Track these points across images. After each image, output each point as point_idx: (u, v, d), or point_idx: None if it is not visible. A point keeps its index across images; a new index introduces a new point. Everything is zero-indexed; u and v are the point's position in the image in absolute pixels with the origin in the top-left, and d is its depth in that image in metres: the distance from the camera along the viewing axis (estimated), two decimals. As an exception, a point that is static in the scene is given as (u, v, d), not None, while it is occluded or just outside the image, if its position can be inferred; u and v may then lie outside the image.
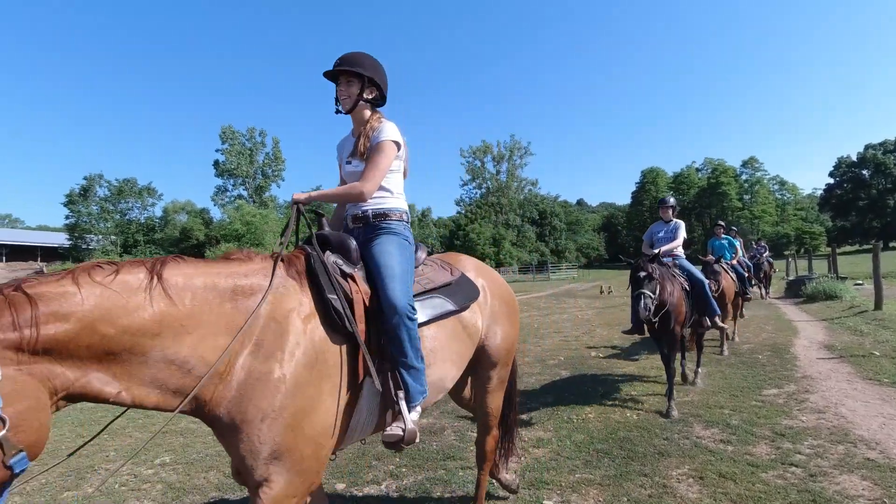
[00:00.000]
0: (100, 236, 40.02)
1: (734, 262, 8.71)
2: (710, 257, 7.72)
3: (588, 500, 3.14)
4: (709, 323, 5.75)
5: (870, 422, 4.27)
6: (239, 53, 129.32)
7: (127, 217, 42.73)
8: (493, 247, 56.84)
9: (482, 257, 54.43)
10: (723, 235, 9.29)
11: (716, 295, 6.30)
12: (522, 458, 3.83)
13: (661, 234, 5.91)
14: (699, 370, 5.92)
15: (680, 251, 5.79)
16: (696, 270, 5.68)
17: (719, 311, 5.64)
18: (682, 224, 5.91)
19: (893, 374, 5.69)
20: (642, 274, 4.77)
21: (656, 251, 5.22)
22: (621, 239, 78.94)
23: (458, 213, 67.68)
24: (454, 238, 57.54)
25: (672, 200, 6.12)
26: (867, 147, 70.27)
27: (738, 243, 10.39)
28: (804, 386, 5.50)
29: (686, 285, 5.40)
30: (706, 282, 5.62)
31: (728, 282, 7.56)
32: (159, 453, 4.26)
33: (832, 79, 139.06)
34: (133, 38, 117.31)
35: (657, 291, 4.75)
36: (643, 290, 4.68)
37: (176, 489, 3.50)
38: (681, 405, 5.02)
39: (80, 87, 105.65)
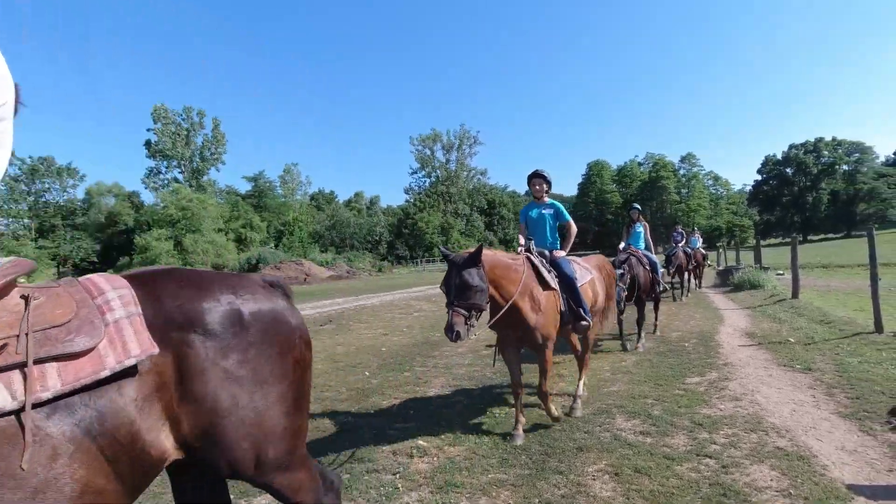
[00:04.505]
0: (10, 219, 36.49)
1: (562, 252, 4.80)
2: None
3: (498, 503, 2.93)
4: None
5: (781, 408, 4.34)
6: (179, 30, 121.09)
7: (43, 199, 39.09)
8: (441, 236, 56.79)
9: (430, 246, 54.38)
10: (547, 201, 5.09)
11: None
12: (435, 459, 3.58)
13: None
14: None
15: None
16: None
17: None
18: None
19: (805, 360, 5.91)
20: None
21: None
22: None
23: (407, 201, 67.02)
24: (402, 227, 57.02)
25: None
26: (791, 147, 75.57)
27: (641, 228, 8.18)
28: (725, 374, 5.59)
29: None
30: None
31: (539, 301, 3.88)
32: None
33: (763, 80, 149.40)
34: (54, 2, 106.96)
35: None
36: None
37: None
38: (606, 395, 4.97)
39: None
